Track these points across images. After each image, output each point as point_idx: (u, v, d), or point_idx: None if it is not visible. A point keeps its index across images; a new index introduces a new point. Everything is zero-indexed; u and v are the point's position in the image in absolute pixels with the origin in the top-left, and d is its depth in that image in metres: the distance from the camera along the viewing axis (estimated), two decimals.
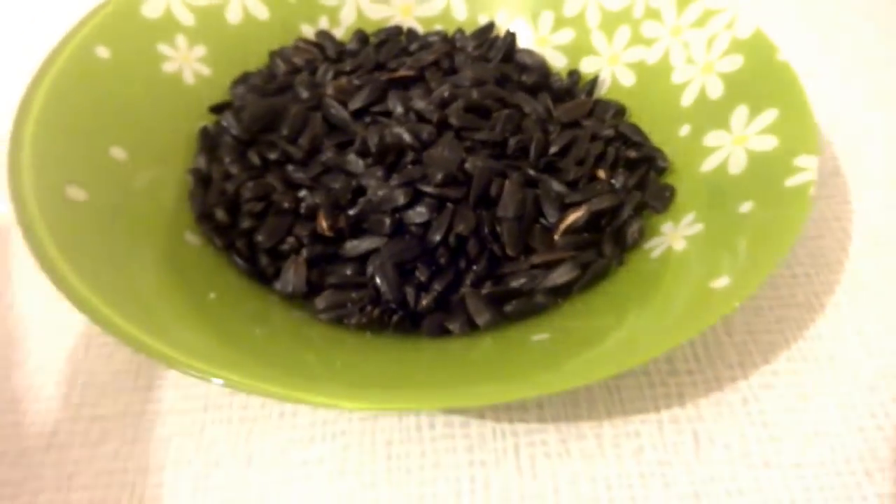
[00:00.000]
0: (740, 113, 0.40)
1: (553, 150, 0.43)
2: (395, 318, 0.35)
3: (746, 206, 0.35)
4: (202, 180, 0.42)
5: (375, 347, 0.34)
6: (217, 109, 0.46)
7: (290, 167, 0.43)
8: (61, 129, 0.37)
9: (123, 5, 0.45)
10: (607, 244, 0.38)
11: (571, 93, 0.49)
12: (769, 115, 0.39)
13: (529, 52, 0.51)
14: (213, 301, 0.34)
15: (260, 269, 0.39)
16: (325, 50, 0.51)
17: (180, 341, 0.29)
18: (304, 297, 0.38)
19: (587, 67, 0.50)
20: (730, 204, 0.36)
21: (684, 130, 0.43)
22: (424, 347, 0.34)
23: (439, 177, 0.38)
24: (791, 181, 0.35)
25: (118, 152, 0.39)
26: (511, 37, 0.51)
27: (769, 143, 0.38)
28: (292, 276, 0.38)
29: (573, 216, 0.38)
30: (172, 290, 0.34)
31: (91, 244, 0.33)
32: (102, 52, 0.42)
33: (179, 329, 0.31)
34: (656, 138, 0.44)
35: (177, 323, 0.32)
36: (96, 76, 0.41)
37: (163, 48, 0.46)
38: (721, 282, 0.31)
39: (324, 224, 0.39)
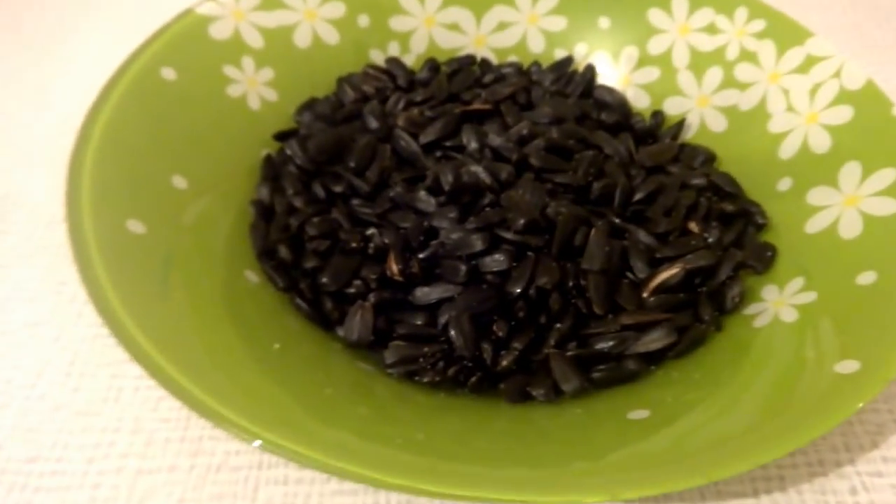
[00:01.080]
0: (851, 170, 0.37)
1: (639, 196, 0.40)
2: (472, 379, 0.32)
3: (867, 277, 0.32)
4: (264, 212, 0.40)
5: (449, 409, 0.31)
6: (282, 137, 0.44)
7: (355, 202, 0.40)
8: (123, 156, 0.35)
9: (191, 25, 0.43)
10: (704, 307, 0.35)
11: (654, 135, 0.46)
12: (886, 176, 0.35)
13: (609, 90, 0.49)
14: (274, 350, 0.31)
15: (323, 313, 0.36)
16: (395, 78, 0.49)
17: (230, 394, 0.27)
18: (368, 347, 0.35)
19: (672, 109, 0.47)
20: (846, 273, 0.33)
21: (784, 185, 0.40)
22: (503, 416, 0.31)
23: (521, 223, 0.35)
24: None
25: (180, 181, 0.37)
26: (591, 71, 0.49)
27: (888, 206, 0.34)
28: (358, 322, 0.35)
29: (667, 273, 0.35)
30: (228, 335, 0.31)
31: (146, 282, 0.31)
32: (168, 73, 0.41)
33: (232, 379, 0.28)
34: (751, 191, 0.41)
35: (231, 371, 0.29)
36: (161, 98, 0.39)
37: (229, 70, 0.44)
38: (848, 366, 0.28)
39: (394, 268, 0.36)
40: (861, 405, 0.26)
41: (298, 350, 0.33)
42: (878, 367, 0.27)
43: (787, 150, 0.41)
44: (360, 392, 0.32)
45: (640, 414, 0.29)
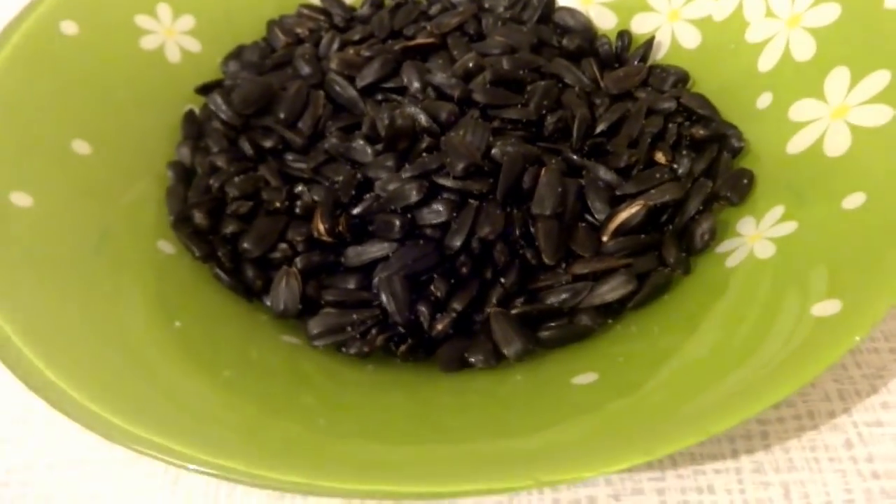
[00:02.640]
0: (839, 77, 0.32)
1: (601, 128, 0.35)
2: (402, 347, 0.29)
3: (855, 200, 0.27)
4: (184, 175, 0.36)
5: (380, 385, 0.28)
6: (205, 90, 0.40)
7: (288, 156, 0.36)
8: (9, 121, 0.31)
9: None
10: (670, 248, 0.30)
11: (622, 58, 0.41)
12: (879, 79, 0.30)
13: (571, 11, 0.44)
14: (180, 330, 0.28)
15: (246, 282, 0.32)
16: (331, 17, 0.44)
17: (122, 399, 0.23)
18: (298, 317, 0.31)
19: (641, 27, 0.42)
20: (830, 196, 0.28)
21: (764, 101, 0.35)
22: (439, 387, 0.27)
23: (460, 167, 0.31)
24: None
25: (81, 146, 0.33)
26: None
27: (881, 114, 0.29)
28: (284, 290, 0.31)
29: (626, 212, 0.31)
30: (134, 317, 0.28)
31: (24, 266, 0.27)
32: (69, 27, 0.36)
33: (129, 377, 0.25)
34: (728, 112, 0.36)
35: (131, 366, 0.25)
36: (59, 55, 0.35)
37: (142, 20, 0.40)
38: (828, 307, 0.24)
39: (321, 227, 0.32)
40: (839, 354, 0.21)
41: (213, 326, 0.29)
42: (863, 308, 0.23)
43: (767, 61, 0.36)
44: (283, 369, 0.28)
45: (586, 378, 0.25)
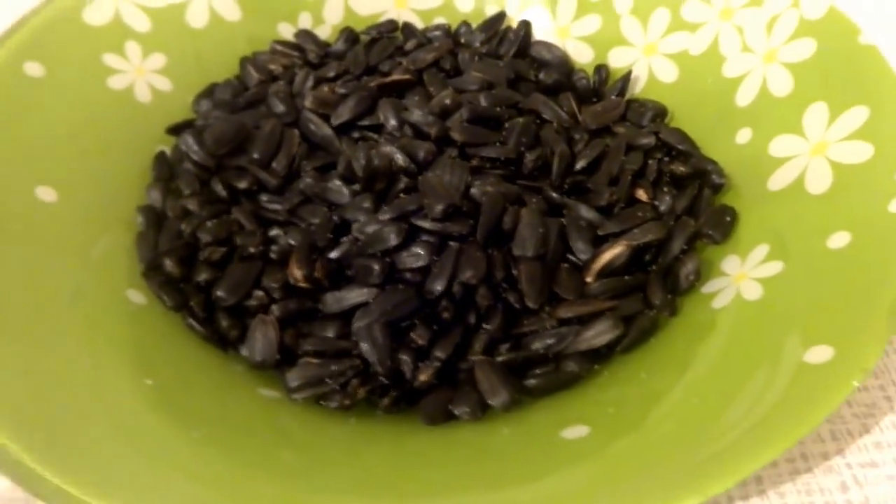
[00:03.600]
0: (817, 113, 0.32)
1: (580, 164, 0.35)
2: (385, 400, 0.28)
3: (840, 239, 0.27)
4: (155, 220, 0.35)
5: (362, 439, 0.27)
6: (176, 130, 0.39)
7: (263, 198, 0.36)
8: None
9: (61, 11, 0.38)
10: (655, 289, 0.30)
11: (599, 93, 0.41)
12: (857, 115, 0.30)
13: (548, 46, 0.43)
14: (153, 387, 0.26)
15: (220, 332, 0.31)
16: (306, 53, 0.43)
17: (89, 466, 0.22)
18: (276, 367, 0.30)
19: (618, 61, 0.42)
20: (815, 235, 0.28)
21: (743, 136, 0.35)
22: (423, 440, 0.26)
23: (439, 208, 0.30)
24: None
25: (46, 193, 0.32)
26: (525, 27, 0.43)
27: (861, 151, 0.29)
28: (260, 340, 0.30)
29: (610, 253, 0.30)
30: (98, 374, 0.27)
31: None
32: (33, 68, 0.35)
33: (101, 443, 0.23)
34: (707, 147, 0.36)
35: (103, 430, 0.24)
36: (23, 98, 0.34)
37: (110, 59, 0.39)
38: (820, 353, 0.23)
39: (297, 273, 0.31)
40: (835, 404, 0.21)
41: (188, 381, 0.28)
42: (856, 354, 0.22)
43: (745, 95, 0.36)
44: (256, 427, 0.27)
45: (577, 431, 0.25)
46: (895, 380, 0.31)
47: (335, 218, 0.33)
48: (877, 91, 0.30)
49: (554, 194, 0.33)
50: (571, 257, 0.32)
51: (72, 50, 0.37)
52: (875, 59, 0.31)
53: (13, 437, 0.22)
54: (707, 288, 0.30)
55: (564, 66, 0.43)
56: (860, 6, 0.36)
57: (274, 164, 0.36)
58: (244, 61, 0.42)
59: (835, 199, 0.29)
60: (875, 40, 0.32)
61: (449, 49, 0.42)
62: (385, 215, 0.31)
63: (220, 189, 0.36)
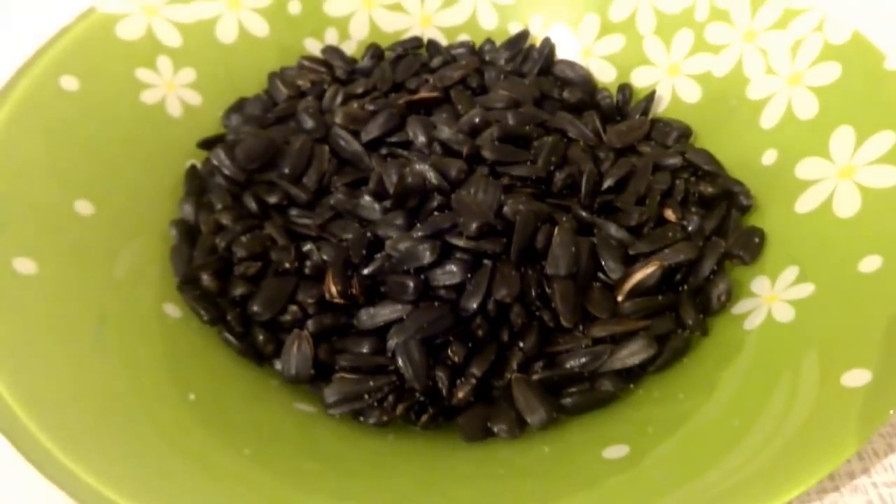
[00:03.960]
0: (843, 137, 0.33)
1: (608, 183, 0.36)
2: (423, 417, 0.28)
3: (871, 263, 0.27)
4: (188, 234, 0.35)
5: (400, 455, 0.27)
6: (207, 144, 0.39)
7: (293, 212, 0.36)
8: (11, 183, 0.31)
9: (95, 26, 0.38)
10: (688, 309, 0.30)
11: (623, 111, 0.42)
12: (884, 140, 0.31)
13: (571, 64, 0.44)
14: (195, 403, 0.27)
15: (255, 346, 0.32)
16: (333, 69, 0.44)
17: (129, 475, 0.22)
18: (310, 382, 0.31)
19: (640, 81, 0.43)
20: (845, 259, 0.28)
21: (769, 158, 0.35)
22: (460, 457, 0.27)
23: (473, 227, 0.31)
24: None
25: (84, 207, 0.33)
26: (549, 46, 0.44)
27: (889, 175, 0.30)
28: (296, 355, 0.31)
29: (642, 273, 0.31)
30: (136, 387, 0.27)
31: (33, 332, 0.26)
32: (69, 82, 0.36)
33: (151, 458, 0.24)
34: (733, 168, 0.36)
35: (137, 437, 0.24)
36: (60, 112, 0.35)
37: (143, 74, 0.39)
38: (857, 377, 0.24)
39: (333, 289, 0.31)
40: (873, 429, 0.21)
41: (223, 396, 0.29)
42: (891, 378, 0.23)
43: (770, 117, 0.36)
44: (295, 443, 0.27)
45: (617, 451, 0.25)
46: None
47: (368, 234, 0.33)
48: None
49: (584, 213, 0.34)
50: (602, 276, 0.32)
51: (106, 64, 0.38)
52: None
53: (76, 460, 0.22)
54: (737, 309, 0.30)
55: (588, 84, 0.43)
56: (883, 32, 0.37)
57: (304, 180, 0.37)
58: (272, 76, 0.43)
59: (864, 223, 0.29)
60: None
61: (475, 67, 0.42)
62: (419, 232, 0.32)
63: (251, 203, 0.36)
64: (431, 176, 0.34)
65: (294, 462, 0.26)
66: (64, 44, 0.37)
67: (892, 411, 0.22)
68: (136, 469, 0.23)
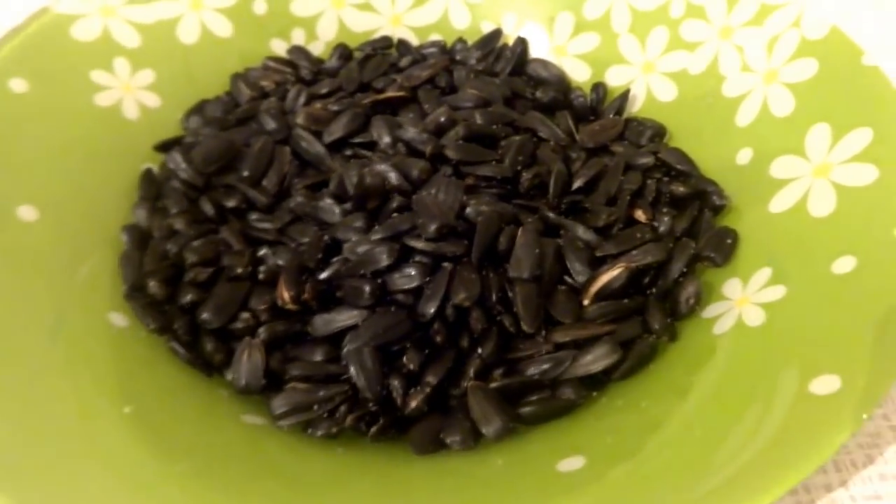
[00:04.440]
0: (819, 134, 0.31)
1: (577, 184, 0.34)
2: (374, 428, 0.27)
3: (845, 264, 0.26)
4: (140, 240, 0.34)
5: (350, 468, 0.26)
6: (165, 147, 0.38)
7: (252, 216, 0.35)
8: None
9: (48, 26, 0.37)
10: (654, 313, 0.29)
11: (597, 111, 0.41)
12: (861, 137, 0.30)
13: (544, 63, 0.43)
14: (132, 415, 0.25)
15: (204, 356, 0.30)
16: (298, 69, 0.43)
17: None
18: (262, 392, 0.29)
19: (615, 80, 0.41)
20: (818, 259, 0.27)
21: (743, 157, 0.34)
22: (413, 469, 0.25)
23: (432, 228, 0.30)
24: None
25: (27, 212, 0.31)
26: (522, 44, 0.43)
27: (865, 173, 0.29)
28: (246, 364, 0.29)
29: (608, 275, 0.29)
30: (80, 403, 0.26)
31: None
32: (17, 84, 0.35)
33: (78, 479, 0.22)
34: (707, 168, 0.35)
35: (78, 465, 0.23)
36: (6, 115, 0.33)
37: (98, 76, 0.38)
38: (826, 383, 0.22)
39: (286, 295, 0.30)
40: (843, 438, 0.20)
41: (170, 408, 0.27)
42: (864, 386, 0.21)
43: (745, 115, 0.35)
44: (241, 456, 0.26)
45: (572, 463, 0.24)
46: None
47: (326, 238, 0.32)
48: (881, 113, 0.30)
49: (551, 214, 0.32)
50: (568, 279, 0.31)
51: (58, 66, 0.37)
52: (879, 80, 0.31)
53: None
54: (707, 312, 0.29)
55: (561, 84, 0.42)
56: (861, 28, 0.36)
57: (264, 182, 0.36)
58: (235, 77, 0.42)
59: (839, 223, 0.28)
60: (878, 61, 0.31)
61: (444, 66, 0.41)
62: (377, 235, 0.31)
63: (208, 208, 0.35)
64: (392, 176, 0.33)
65: (236, 476, 0.25)
66: (15, 45, 0.36)
67: (865, 416, 0.20)
68: (54, 484, 0.21)
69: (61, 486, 0.22)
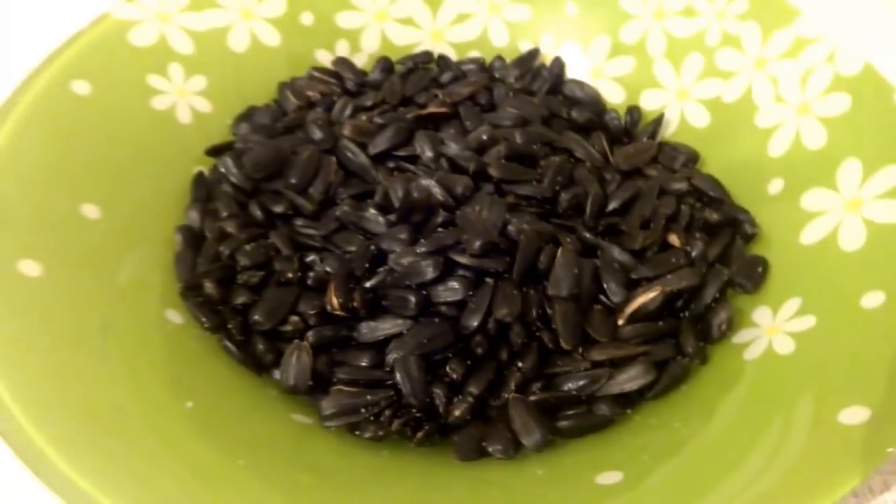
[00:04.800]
0: (850, 169, 0.32)
1: (613, 205, 0.36)
2: (419, 434, 0.28)
3: (874, 299, 0.27)
4: (193, 240, 0.35)
5: (394, 471, 0.27)
6: (216, 152, 0.39)
7: (298, 222, 0.36)
8: (18, 184, 0.31)
9: (108, 31, 0.38)
10: (688, 336, 0.30)
11: (631, 134, 0.42)
12: (892, 175, 0.31)
13: (580, 84, 0.44)
14: (193, 410, 0.27)
15: (255, 355, 0.32)
16: (343, 81, 0.44)
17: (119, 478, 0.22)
18: (307, 394, 0.31)
19: (649, 103, 0.43)
20: (848, 293, 0.28)
21: (775, 187, 0.35)
22: (454, 475, 0.27)
23: (477, 245, 0.31)
24: None
25: (90, 210, 0.33)
26: (559, 65, 0.44)
27: (895, 211, 0.30)
28: (294, 366, 0.31)
29: (644, 297, 0.31)
30: (136, 392, 0.27)
31: (36, 327, 0.26)
32: (81, 87, 0.36)
33: (132, 455, 0.24)
34: (738, 195, 0.36)
35: (136, 444, 0.25)
36: (70, 116, 0.35)
37: (154, 80, 0.39)
38: (854, 414, 0.23)
39: (335, 301, 0.31)
40: (870, 468, 0.21)
41: (220, 405, 0.29)
42: (890, 417, 0.22)
43: (778, 146, 0.36)
44: (290, 454, 0.27)
45: (610, 477, 0.25)
46: None
47: (371, 247, 0.33)
48: None
49: (588, 235, 0.34)
50: (604, 299, 0.32)
51: (118, 70, 0.38)
52: None
53: (71, 463, 0.22)
54: (738, 338, 0.30)
55: (596, 105, 0.43)
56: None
57: (311, 190, 0.37)
58: (283, 86, 0.43)
59: (869, 258, 0.29)
60: None
61: (484, 84, 0.42)
62: (422, 248, 0.32)
63: (257, 212, 0.36)
64: (437, 192, 0.34)
65: (288, 473, 0.26)
66: (77, 48, 0.37)
67: (890, 449, 0.22)
68: (130, 475, 0.23)
69: (135, 478, 0.23)
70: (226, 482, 0.24)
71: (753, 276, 0.32)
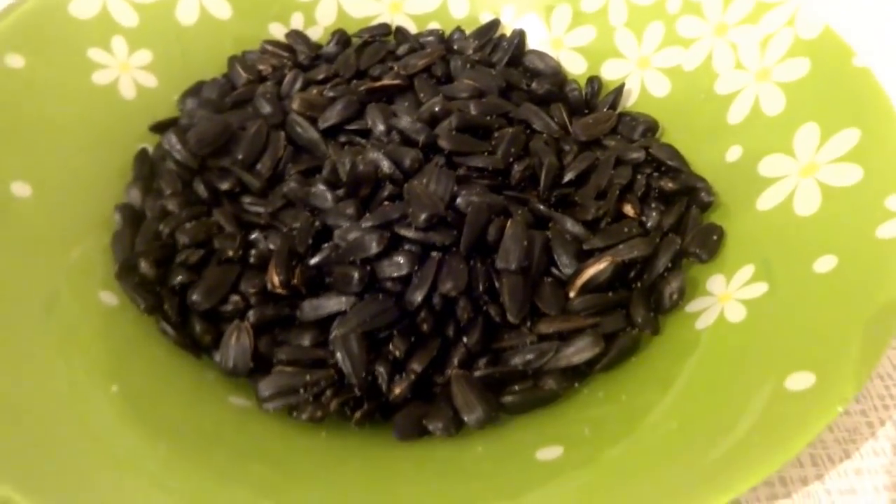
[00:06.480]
0: (808, 133, 0.32)
1: (568, 177, 0.35)
2: (358, 413, 0.27)
3: (826, 263, 0.26)
4: (132, 219, 0.34)
5: (333, 452, 0.26)
6: (159, 128, 0.38)
7: (245, 199, 0.35)
8: None
9: (47, 3, 0.37)
10: (638, 307, 0.29)
11: (591, 104, 0.41)
12: (848, 137, 0.30)
13: (541, 55, 0.43)
14: (119, 394, 0.26)
15: (193, 337, 0.30)
16: (296, 54, 0.43)
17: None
18: (249, 375, 0.30)
19: (611, 73, 0.42)
20: (801, 257, 0.27)
21: (733, 154, 0.34)
22: (395, 455, 0.26)
23: (422, 217, 0.30)
24: (885, 230, 0.26)
25: (21, 188, 0.31)
26: (519, 35, 0.43)
27: (850, 174, 0.29)
28: (234, 347, 0.30)
29: (593, 269, 0.30)
30: (71, 381, 0.26)
31: None
32: (14, 60, 0.35)
33: (66, 457, 0.23)
34: (697, 163, 0.35)
35: (68, 443, 0.23)
36: (2, 91, 0.33)
37: (95, 54, 0.38)
38: (801, 380, 0.23)
39: (275, 279, 0.30)
40: (816, 431, 0.20)
41: (157, 388, 0.28)
42: (838, 383, 0.22)
43: (737, 113, 0.35)
44: (226, 438, 0.26)
45: (551, 452, 0.24)
46: (877, 405, 0.31)
47: (317, 223, 0.32)
48: (869, 114, 0.30)
49: (540, 206, 0.33)
50: (555, 271, 0.31)
51: (56, 43, 0.37)
52: (868, 81, 0.31)
53: None
54: (691, 307, 0.30)
55: (557, 76, 0.42)
56: (854, 29, 0.36)
57: (258, 166, 0.36)
58: (232, 60, 0.42)
59: (822, 222, 0.28)
60: (868, 62, 0.32)
61: (441, 55, 0.41)
62: (367, 222, 0.31)
63: (201, 190, 0.35)
64: (385, 165, 0.33)
65: (223, 457, 0.25)
66: (11, 20, 0.35)
67: (840, 409, 0.21)
68: (45, 460, 0.22)
69: (48, 462, 0.22)
70: (143, 465, 0.23)
71: (708, 244, 0.31)
